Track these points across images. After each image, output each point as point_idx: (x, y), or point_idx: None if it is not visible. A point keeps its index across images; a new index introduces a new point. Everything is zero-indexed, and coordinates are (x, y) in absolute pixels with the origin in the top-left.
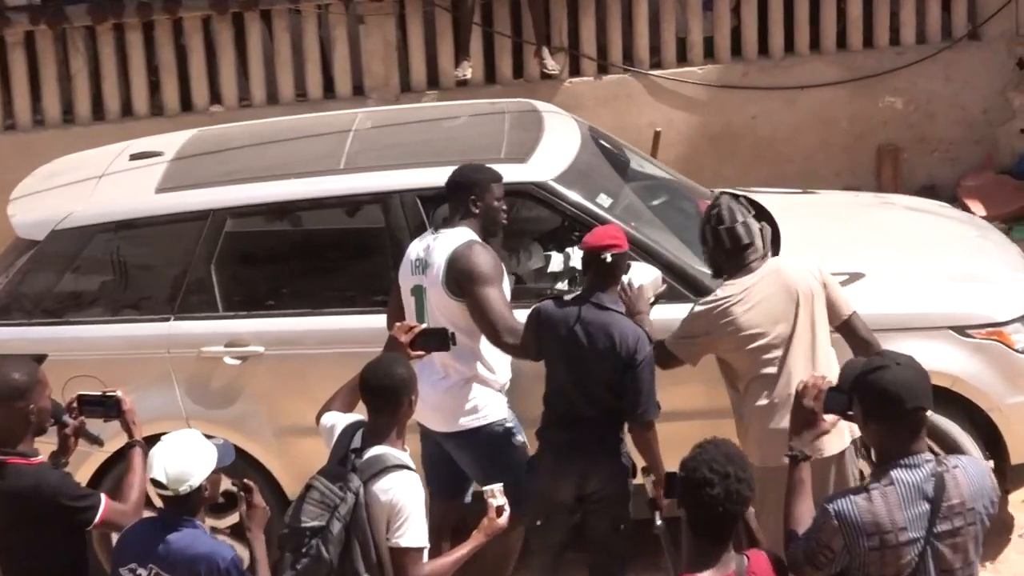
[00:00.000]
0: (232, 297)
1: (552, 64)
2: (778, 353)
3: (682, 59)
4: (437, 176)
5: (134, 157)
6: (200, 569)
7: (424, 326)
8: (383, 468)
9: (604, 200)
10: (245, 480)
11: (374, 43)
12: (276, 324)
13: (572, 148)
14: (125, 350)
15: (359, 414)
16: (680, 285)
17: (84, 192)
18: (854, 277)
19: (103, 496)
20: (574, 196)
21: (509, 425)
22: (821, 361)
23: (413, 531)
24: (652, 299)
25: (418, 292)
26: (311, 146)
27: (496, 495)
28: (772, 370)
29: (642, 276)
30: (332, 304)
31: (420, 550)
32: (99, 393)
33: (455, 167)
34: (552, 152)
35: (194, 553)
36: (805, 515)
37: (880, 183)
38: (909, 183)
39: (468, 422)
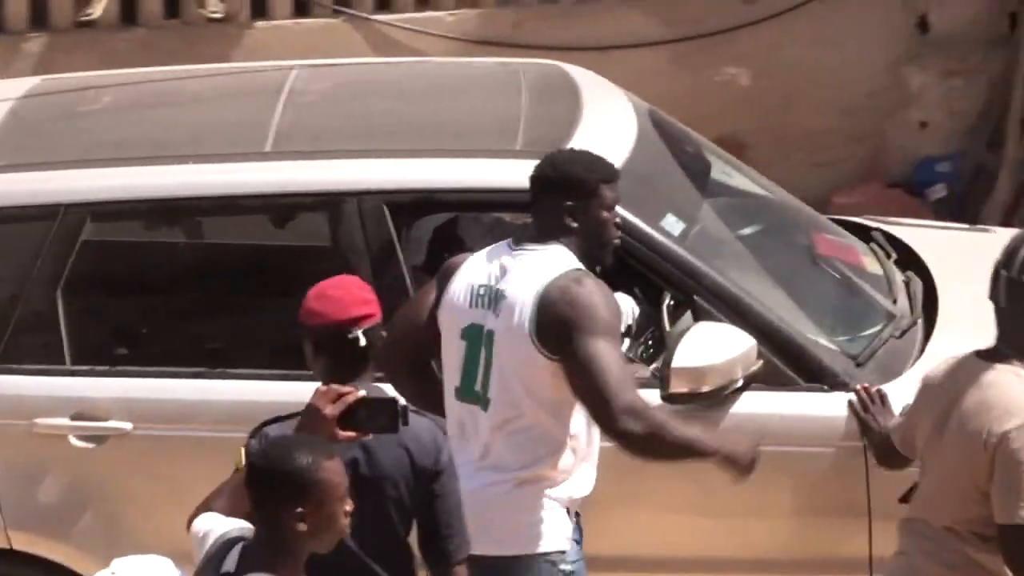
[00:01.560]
0: (87, 342)
1: (215, 3)
2: None
3: (424, 0)
4: (415, 172)
5: None
6: None
7: (361, 393)
8: None
9: (673, 224)
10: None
11: None
12: (152, 388)
13: (625, 139)
14: None
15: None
16: (785, 363)
17: None
18: None
19: None
20: (629, 216)
21: (568, 568)
22: None
23: None
24: (738, 380)
25: (475, 335)
26: (220, 114)
27: None
28: None
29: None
30: (242, 361)
31: None
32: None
33: (525, 156)
34: (596, 143)
35: None
36: None
37: None
38: None
39: (506, 546)
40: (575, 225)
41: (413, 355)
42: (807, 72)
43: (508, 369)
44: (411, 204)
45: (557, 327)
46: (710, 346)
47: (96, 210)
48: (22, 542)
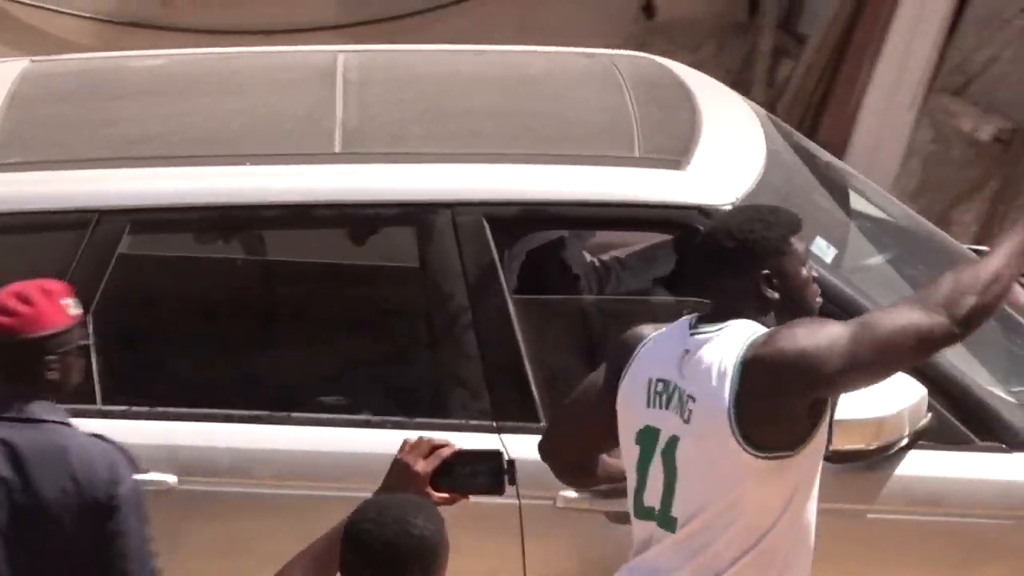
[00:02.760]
0: (122, 379)
1: None
2: None
3: None
4: (521, 181)
5: None
6: None
7: (458, 446)
8: None
9: (824, 250)
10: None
11: None
12: (201, 434)
13: (756, 150)
14: None
15: None
16: (957, 417)
17: None
18: None
19: None
20: None
21: None
22: None
23: None
24: (905, 437)
25: (651, 438)
26: (263, 105)
27: None
28: None
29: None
30: (309, 404)
31: None
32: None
33: (647, 165)
34: (725, 154)
35: None
36: None
37: None
38: None
39: None
40: (776, 296)
41: (585, 453)
42: None
43: (701, 483)
44: (516, 218)
45: (777, 377)
46: (877, 395)
47: (137, 218)
48: None
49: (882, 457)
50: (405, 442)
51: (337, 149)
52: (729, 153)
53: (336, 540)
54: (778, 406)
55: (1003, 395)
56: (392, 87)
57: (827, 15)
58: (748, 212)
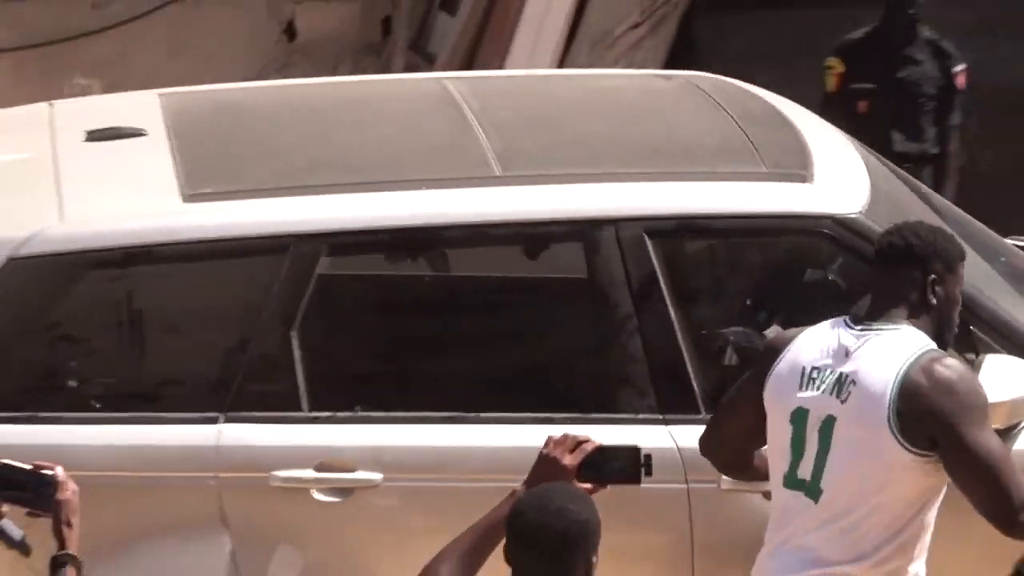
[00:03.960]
0: (327, 387)
1: None
2: None
3: None
4: (676, 197)
5: (93, 137)
6: None
7: (600, 442)
8: None
9: None
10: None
11: None
12: (402, 435)
13: (858, 163)
14: (136, 470)
15: None
16: None
17: (44, 194)
18: None
19: None
20: None
21: None
22: None
23: None
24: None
25: (802, 419)
26: (404, 133)
27: None
28: None
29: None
30: (497, 406)
31: None
32: (29, 467)
33: (779, 179)
34: (839, 167)
35: None
36: None
37: None
38: None
39: None
40: (935, 302)
41: (740, 448)
42: (165, 81)
43: (852, 461)
44: (672, 231)
45: (931, 418)
46: (1008, 380)
47: (332, 242)
48: None
49: (1008, 437)
50: (549, 438)
51: (498, 172)
52: (842, 166)
53: (481, 534)
54: (923, 418)
55: None
56: (513, 113)
57: (453, 38)
58: (926, 225)
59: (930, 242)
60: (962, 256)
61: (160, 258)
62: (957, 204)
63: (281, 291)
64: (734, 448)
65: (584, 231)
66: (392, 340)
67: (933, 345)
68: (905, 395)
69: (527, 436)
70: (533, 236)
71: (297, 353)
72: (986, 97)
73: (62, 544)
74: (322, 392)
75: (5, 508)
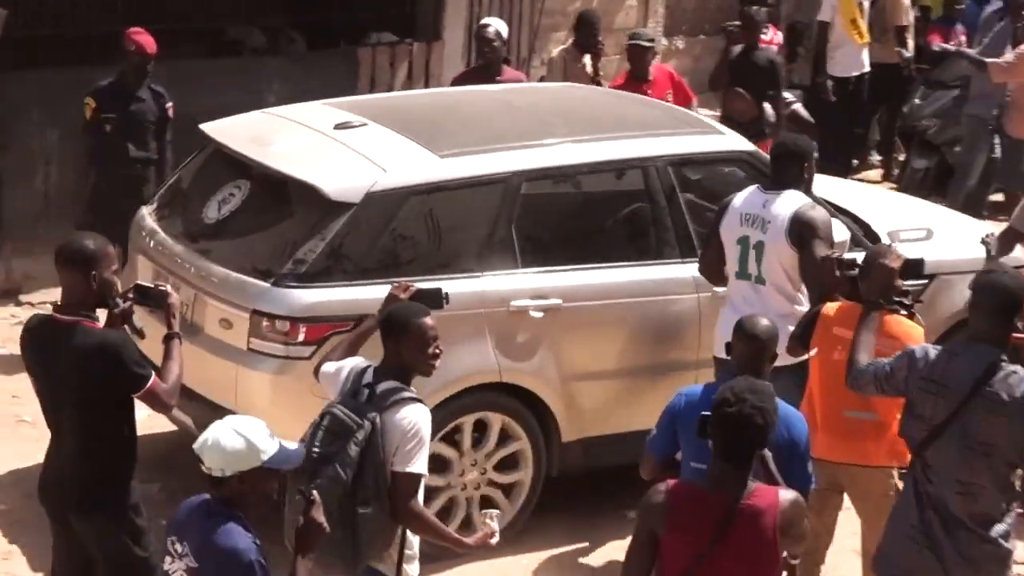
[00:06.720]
0: (530, 254)
1: None
2: None
3: None
4: (684, 144)
5: (338, 127)
6: (223, 561)
7: (418, 286)
8: (400, 399)
9: None
10: (310, 492)
11: None
12: (571, 278)
13: None
14: (446, 309)
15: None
16: None
17: (355, 159)
18: None
19: (152, 370)
20: None
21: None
22: None
23: (421, 460)
24: None
25: (744, 242)
26: (550, 112)
27: (493, 519)
28: None
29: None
30: (613, 258)
31: (421, 478)
32: (153, 285)
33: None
34: None
35: (220, 546)
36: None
37: None
38: None
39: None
40: (806, 177)
41: (717, 265)
42: None
43: (775, 258)
44: (680, 163)
45: (801, 231)
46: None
47: (528, 175)
48: (508, 377)
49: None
50: (393, 286)
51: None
52: None
53: (361, 334)
54: (798, 232)
55: None
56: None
57: None
58: (798, 137)
59: (799, 146)
60: (815, 151)
61: (444, 190)
62: None
63: (503, 203)
64: (713, 266)
65: (641, 164)
66: (560, 226)
67: (809, 201)
68: (793, 220)
69: (635, 274)
70: (618, 169)
71: (515, 237)
72: None
73: (170, 326)
74: (528, 256)
75: (130, 305)
